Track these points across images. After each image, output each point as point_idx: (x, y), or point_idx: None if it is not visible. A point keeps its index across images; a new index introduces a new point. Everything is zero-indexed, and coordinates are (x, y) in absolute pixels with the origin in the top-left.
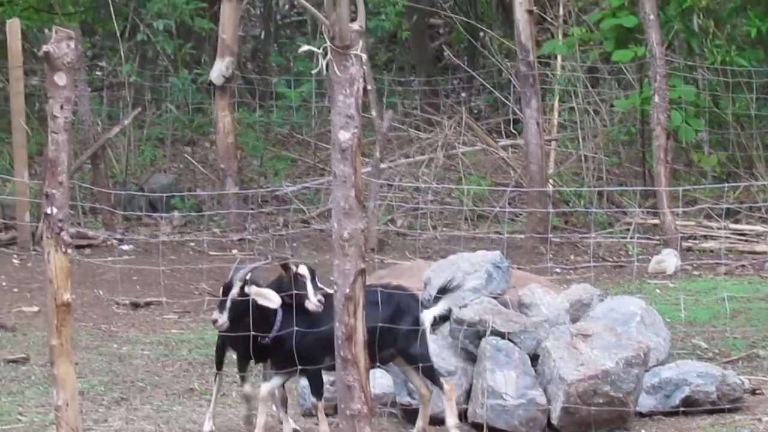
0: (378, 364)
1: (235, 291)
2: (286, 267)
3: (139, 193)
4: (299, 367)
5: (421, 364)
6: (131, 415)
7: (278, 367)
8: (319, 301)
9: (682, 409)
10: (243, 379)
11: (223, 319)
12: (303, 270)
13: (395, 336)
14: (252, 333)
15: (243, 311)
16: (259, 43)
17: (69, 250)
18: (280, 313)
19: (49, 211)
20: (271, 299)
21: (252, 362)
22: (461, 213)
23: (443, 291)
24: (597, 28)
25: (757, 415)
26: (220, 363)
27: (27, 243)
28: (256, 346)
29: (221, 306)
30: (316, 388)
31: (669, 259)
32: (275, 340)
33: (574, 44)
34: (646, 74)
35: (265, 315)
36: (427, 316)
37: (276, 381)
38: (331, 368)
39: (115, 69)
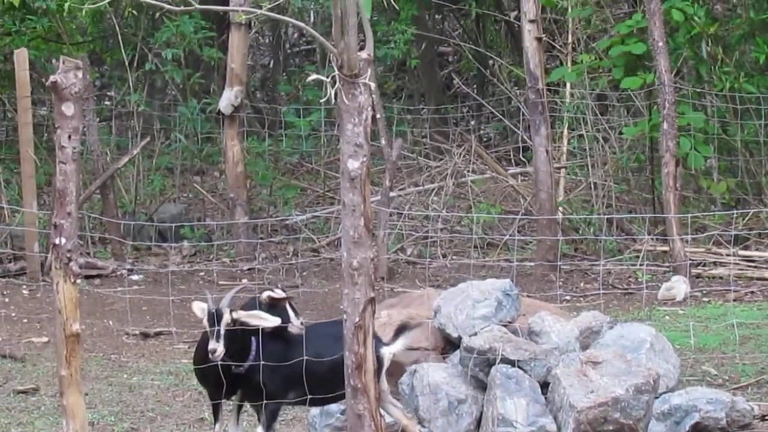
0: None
1: (227, 317)
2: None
3: (149, 223)
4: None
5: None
6: None
7: (249, 399)
8: (301, 323)
9: None
10: (216, 418)
11: (220, 347)
12: (279, 293)
13: None
14: (222, 363)
15: (235, 338)
16: (267, 72)
17: (78, 281)
18: (254, 341)
19: (57, 242)
20: (266, 319)
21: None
22: (471, 241)
23: (402, 329)
24: (606, 56)
25: None
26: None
27: (36, 273)
28: (229, 377)
29: (216, 335)
30: (270, 422)
31: (678, 286)
32: (250, 369)
33: (583, 71)
34: (655, 101)
35: (242, 343)
36: (386, 353)
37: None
38: (301, 402)
39: (124, 98)
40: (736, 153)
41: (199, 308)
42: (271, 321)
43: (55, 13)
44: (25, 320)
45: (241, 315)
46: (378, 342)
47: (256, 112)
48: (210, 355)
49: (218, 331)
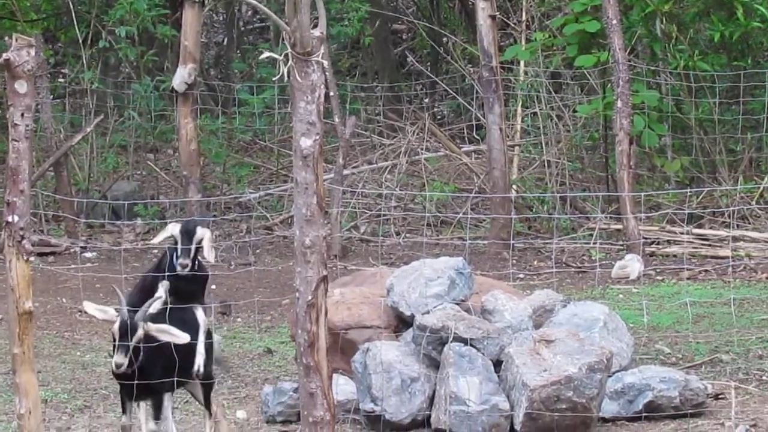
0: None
1: (140, 333)
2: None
3: (102, 201)
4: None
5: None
6: (95, 423)
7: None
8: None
9: (645, 414)
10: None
11: (126, 363)
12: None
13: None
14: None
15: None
16: (221, 49)
17: (31, 258)
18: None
19: (10, 219)
20: (176, 335)
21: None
22: (424, 219)
23: None
24: (560, 34)
25: (720, 419)
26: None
27: None
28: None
29: (125, 350)
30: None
31: (632, 265)
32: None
33: (537, 49)
34: (609, 79)
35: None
36: None
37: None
38: None
39: (78, 76)
40: (691, 131)
41: (97, 310)
42: (182, 337)
43: None
44: None
45: (152, 329)
46: None
47: (210, 89)
48: (114, 369)
49: (127, 347)
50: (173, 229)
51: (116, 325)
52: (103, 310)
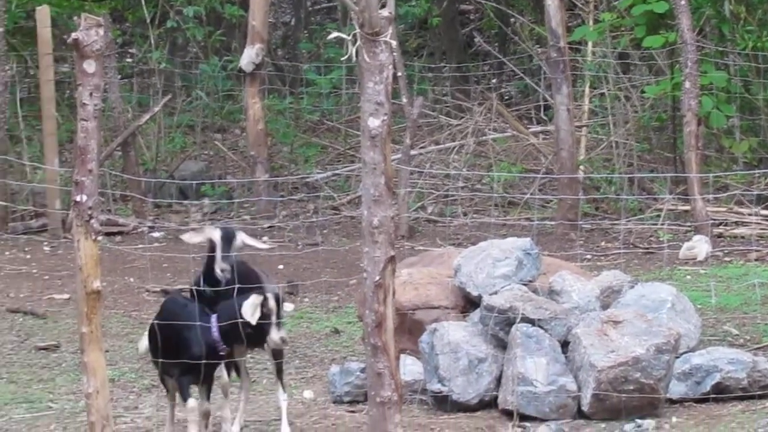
0: None
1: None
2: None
3: (170, 181)
4: None
5: None
6: (162, 402)
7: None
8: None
9: (712, 395)
10: None
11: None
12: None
13: None
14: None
15: None
16: (289, 29)
17: (99, 238)
18: None
19: (78, 199)
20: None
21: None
22: (491, 200)
23: None
24: (628, 14)
25: None
26: None
27: (57, 230)
28: None
29: (227, 258)
30: None
31: (700, 246)
32: None
33: (605, 30)
34: (677, 60)
35: None
36: None
37: None
38: None
39: (145, 56)
40: (759, 112)
41: (194, 234)
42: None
43: None
44: (47, 277)
45: (247, 239)
46: None
47: (277, 69)
48: (219, 273)
49: (230, 256)
50: (212, 233)
51: (217, 234)
52: (199, 231)
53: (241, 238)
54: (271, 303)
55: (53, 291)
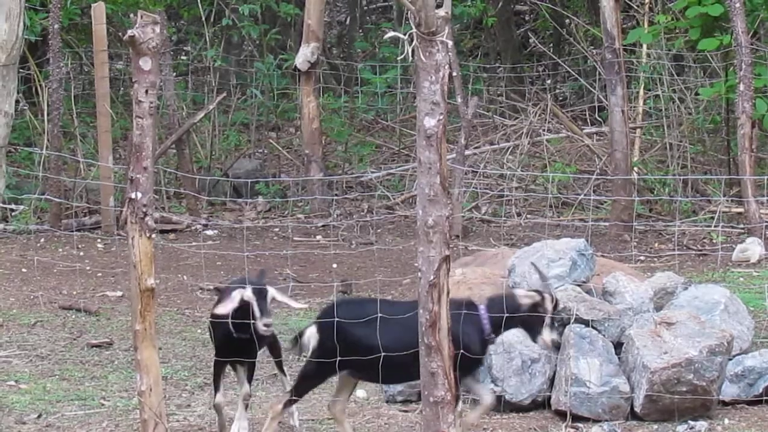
0: None
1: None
2: None
3: (224, 179)
4: None
5: None
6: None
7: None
8: (265, 325)
9: (765, 398)
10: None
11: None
12: (248, 295)
13: None
14: None
15: None
16: (344, 28)
17: (153, 235)
18: None
19: (133, 196)
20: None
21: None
22: (546, 200)
23: None
24: (682, 16)
25: None
26: None
27: (111, 227)
28: None
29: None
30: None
31: (753, 248)
32: None
33: (660, 32)
34: (731, 62)
35: None
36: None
37: None
38: None
39: (200, 54)
40: None
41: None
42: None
43: None
44: (100, 274)
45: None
46: None
47: (332, 68)
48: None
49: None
50: (245, 294)
51: (249, 293)
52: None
53: (272, 293)
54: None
55: (106, 288)
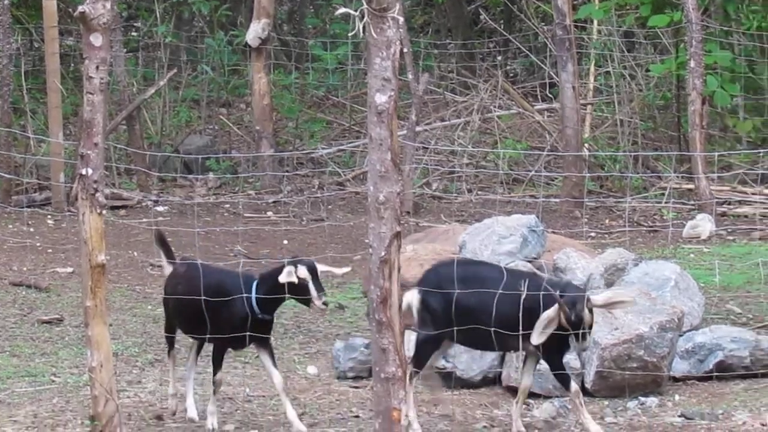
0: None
1: None
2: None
3: (175, 155)
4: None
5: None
6: (165, 377)
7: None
8: (324, 303)
9: (715, 373)
10: None
11: None
12: (303, 272)
13: None
14: None
15: None
16: (295, 5)
17: (104, 211)
18: None
19: (84, 172)
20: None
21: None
22: (497, 176)
23: None
24: None
25: None
26: None
27: (61, 204)
28: None
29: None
30: None
31: (704, 224)
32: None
33: (611, 9)
34: (682, 39)
35: None
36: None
37: None
38: None
39: (151, 30)
40: (763, 92)
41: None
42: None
43: None
44: (50, 250)
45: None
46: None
47: (283, 45)
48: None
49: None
50: (300, 271)
51: (305, 270)
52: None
53: (319, 267)
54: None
55: (56, 264)
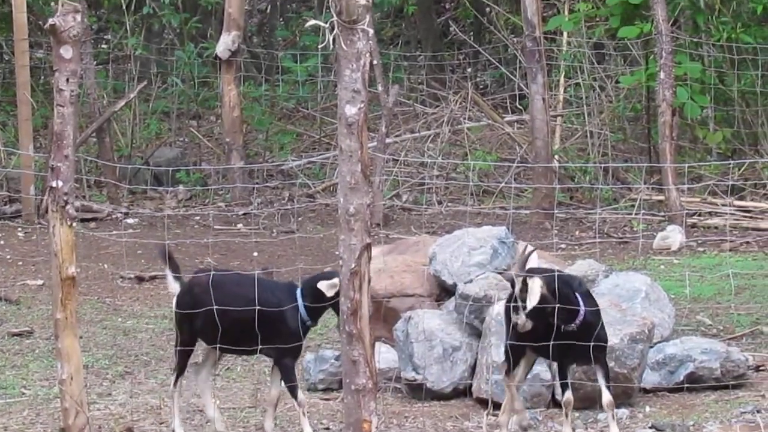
0: None
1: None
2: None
3: (145, 167)
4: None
5: None
6: (136, 389)
7: (574, 360)
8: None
9: (686, 385)
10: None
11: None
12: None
13: None
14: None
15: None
16: (265, 17)
17: (74, 224)
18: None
19: (54, 184)
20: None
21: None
22: (467, 188)
23: None
24: (603, 4)
25: (761, 391)
26: None
27: (31, 216)
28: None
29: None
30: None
31: (674, 236)
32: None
33: (580, 20)
34: (651, 51)
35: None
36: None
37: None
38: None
39: (121, 42)
40: (733, 103)
41: None
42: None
43: None
44: (20, 263)
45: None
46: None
47: (253, 57)
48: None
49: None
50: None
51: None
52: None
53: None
54: None
55: (27, 277)
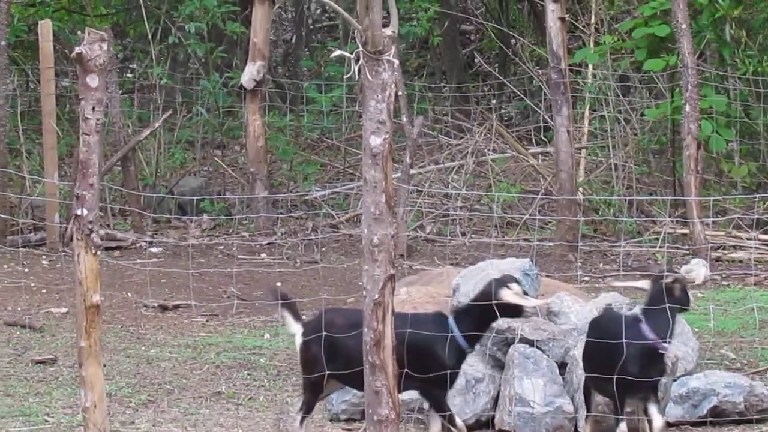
0: None
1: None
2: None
3: (169, 196)
4: None
5: None
6: (159, 418)
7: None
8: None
9: (709, 419)
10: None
11: None
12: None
13: None
14: None
15: None
16: (290, 47)
17: (99, 252)
18: None
19: (79, 213)
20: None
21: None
22: (490, 220)
23: None
24: (629, 37)
25: None
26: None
27: (56, 244)
28: None
29: None
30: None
31: (698, 269)
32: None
33: (606, 53)
34: (677, 83)
35: None
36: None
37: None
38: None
39: (146, 71)
40: (758, 137)
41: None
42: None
43: None
44: (45, 291)
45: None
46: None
47: (278, 87)
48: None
49: None
50: (515, 288)
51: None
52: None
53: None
54: None
55: (51, 305)
